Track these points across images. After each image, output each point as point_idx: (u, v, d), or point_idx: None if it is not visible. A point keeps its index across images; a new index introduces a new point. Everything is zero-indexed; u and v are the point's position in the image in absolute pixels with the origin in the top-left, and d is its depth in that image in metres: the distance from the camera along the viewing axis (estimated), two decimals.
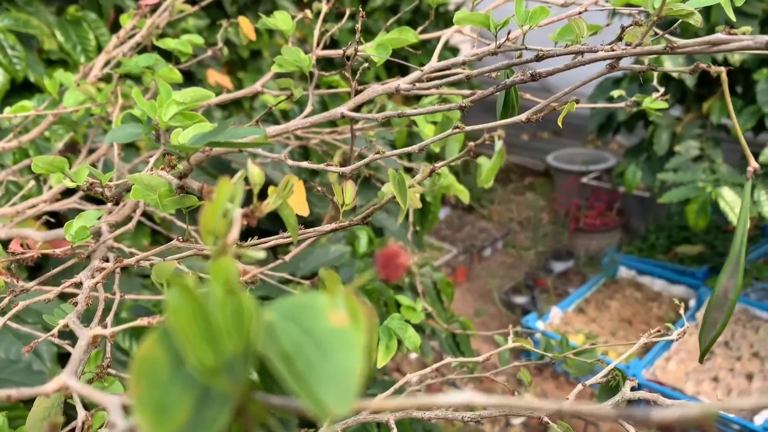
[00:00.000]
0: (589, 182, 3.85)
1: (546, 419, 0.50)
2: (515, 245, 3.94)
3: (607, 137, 3.06)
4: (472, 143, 0.41)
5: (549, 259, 3.63)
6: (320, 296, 0.24)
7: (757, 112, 2.44)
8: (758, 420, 2.33)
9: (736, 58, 2.45)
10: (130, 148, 1.34)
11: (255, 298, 0.25)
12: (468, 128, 0.44)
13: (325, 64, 1.99)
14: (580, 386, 0.54)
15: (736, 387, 2.51)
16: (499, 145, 0.39)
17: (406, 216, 1.88)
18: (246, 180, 0.43)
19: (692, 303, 2.96)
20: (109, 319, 0.47)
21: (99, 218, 0.52)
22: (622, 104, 0.72)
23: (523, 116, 0.43)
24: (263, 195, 0.42)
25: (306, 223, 0.53)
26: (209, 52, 0.90)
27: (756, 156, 2.51)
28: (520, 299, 3.26)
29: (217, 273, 0.24)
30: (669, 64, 2.29)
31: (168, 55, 0.84)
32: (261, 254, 0.39)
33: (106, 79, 0.94)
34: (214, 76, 1.69)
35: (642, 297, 3.15)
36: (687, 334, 0.74)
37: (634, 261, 3.27)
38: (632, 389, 0.52)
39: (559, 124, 0.45)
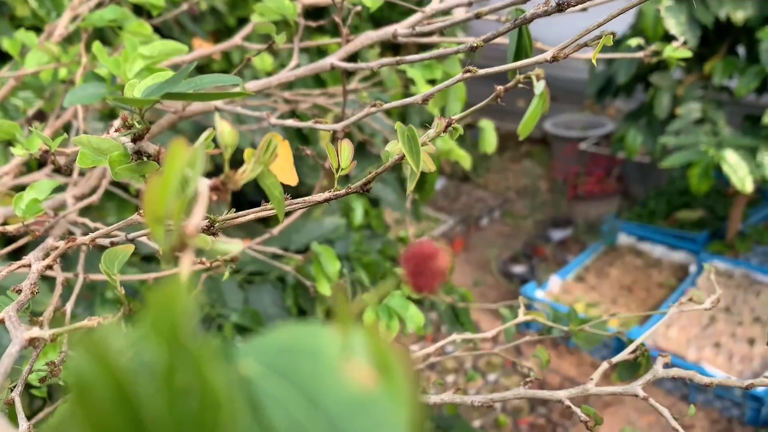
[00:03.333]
0: (588, 149, 3.79)
1: (568, 403, 0.45)
2: (513, 214, 3.89)
3: (606, 101, 2.99)
4: (501, 87, 0.35)
5: (547, 227, 3.59)
6: (325, 333, 0.15)
7: (761, 72, 2.36)
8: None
9: (739, 17, 2.37)
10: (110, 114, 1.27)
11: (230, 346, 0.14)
12: (482, 71, 0.38)
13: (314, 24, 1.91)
14: (605, 364, 0.48)
15: (738, 352, 2.48)
16: (540, 86, 0.32)
17: (402, 186, 1.81)
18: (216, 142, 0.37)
19: (692, 268, 2.93)
20: (68, 306, 0.41)
21: (56, 189, 0.45)
22: (640, 53, 0.65)
23: (548, 54, 0.37)
24: (238, 162, 0.35)
25: (297, 195, 0.47)
26: (184, 6, 0.83)
27: (759, 118, 2.44)
28: (519, 269, 3.22)
29: (158, 319, 0.14)
30: (672, 24, 2.21)
31: (146, 15, 0.77)
32: (237, 246, 0.31)
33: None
34: (200, 44, 1.61)
35: (642, 263, 3.11)
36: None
37: (633, 227, 3.22)
38: (665, 366, 0.46)
39: (593, 61, 0.38)
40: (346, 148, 0.40)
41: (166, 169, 0.25)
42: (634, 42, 0.66)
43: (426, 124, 0.44)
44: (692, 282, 2.86)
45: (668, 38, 2.54)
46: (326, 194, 0.43)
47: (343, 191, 0.42)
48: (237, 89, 0.37)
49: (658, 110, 2.62)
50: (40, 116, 0.82)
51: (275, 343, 0.15)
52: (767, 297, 2.75)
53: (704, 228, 3.07)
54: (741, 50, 2.64)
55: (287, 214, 0.50)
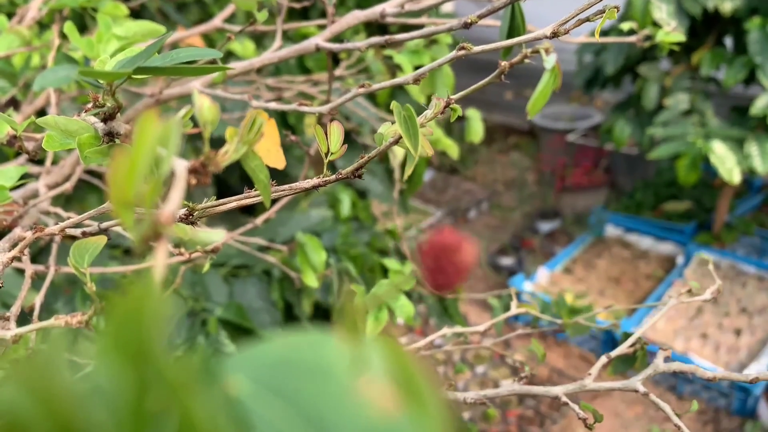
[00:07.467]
0: (575, 140, 3.79)
1: (565, 400, 0.43)
2: (501, 206, 3.88)
3: (594, 93, 2.98)
4: (505, 62, 0.32)
5: (535, 219, 3.58)
6: (331, 343, 0.12)
7: (748, 63, 2.36)
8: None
9: (726, 8, 2.36)
10: None
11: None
12: (477, 48, 0.35)
13: (300, 17, 1.88)
14: (604, 359, 0.47)
15: (725, 343, 2.49)
16: (551, 60, 0.29)
17: (390, 177, 1.79)
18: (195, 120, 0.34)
19: (680, 260, 2.93)
20: (37, 300, 0.39)
21: (31, 178, 0.43)
22: (633, 38, 0.64)
23: (547, 30, 0.35)
24: (219, 143, 0.33)
25: (283, 183, 0.45)
26: None
27: (746, 109, 2.45)
28: (507, 261, 3.21)
29: (121, 333, 0.11)
30: (660, 14, 2.20)
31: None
32: (219, 236, 0.29)
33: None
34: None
35: (629, 255, 3.11)
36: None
37: (621, 219, 3.23)
38: (665, 360, 0.44)
39: (596, 37, 0.36)
40: (336, 130, 0.37)
41: (135, 146, 0.22)
42: (626, 26, 0.65)
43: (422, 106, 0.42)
44: (680, 273, 2.86)
45: (656, 28, 2.53)
46: (315, 180, 0.41)
47: (333, 177, 0.40)
48: (216, 65, 0.34)
49: (646, 101, 2.61)
50: (14, 104, 0.79)
51: (271, 356, 0.12)
52: (753, 288, 2.76)
53: (691, 219, 3.08)
54: (728, 41, 2.64)
55: (273, 201, 0.48)
